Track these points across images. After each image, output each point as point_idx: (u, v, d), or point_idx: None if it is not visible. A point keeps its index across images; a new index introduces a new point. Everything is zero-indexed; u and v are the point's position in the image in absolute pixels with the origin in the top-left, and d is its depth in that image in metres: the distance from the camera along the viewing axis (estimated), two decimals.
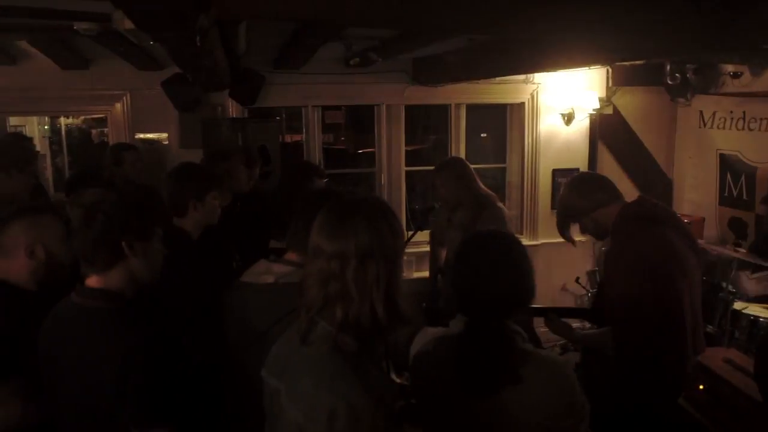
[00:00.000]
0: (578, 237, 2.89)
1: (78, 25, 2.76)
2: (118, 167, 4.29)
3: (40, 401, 1.95)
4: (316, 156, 5.69)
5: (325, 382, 1.38)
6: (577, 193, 2.73)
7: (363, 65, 4.82)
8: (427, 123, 7.91)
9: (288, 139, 6.50)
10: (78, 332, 1.76)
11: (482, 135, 6.62)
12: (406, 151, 5.94)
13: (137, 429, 1.68)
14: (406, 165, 5.90)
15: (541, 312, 2.72)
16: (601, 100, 5.83)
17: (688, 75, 5.42)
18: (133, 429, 1.68)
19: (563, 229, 2.83)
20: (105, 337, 1.72)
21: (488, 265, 1.73)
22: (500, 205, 3.92)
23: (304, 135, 5.76)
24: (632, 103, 6.10)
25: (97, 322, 1.76)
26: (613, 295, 2.60)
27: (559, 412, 1.64)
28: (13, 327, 2.01)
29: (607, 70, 5.87)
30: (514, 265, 1.73)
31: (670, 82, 5.55)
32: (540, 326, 2.88)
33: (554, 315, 2.74)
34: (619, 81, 5.91)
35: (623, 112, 6.09)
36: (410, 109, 5.87)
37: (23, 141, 3.45)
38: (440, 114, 6.20)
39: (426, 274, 4.75)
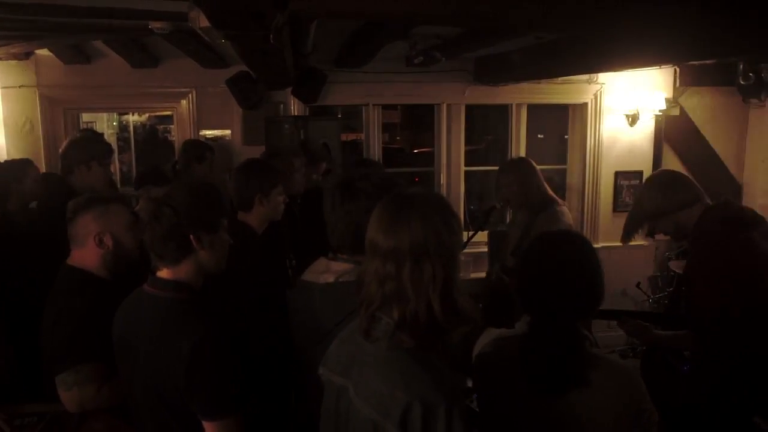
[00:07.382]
0: (641, 241, 2.73)
1: (153, 24, 2.84)
2: (199, 164, 4.32)
3: (114, 385, 2.03)
4: (376, 155, 5.71)
5: (396, 379, 1.37)
6: (661, 193, 2.60)
7: (426, 64, 4.80)
8: (484, 123, 7.84)
9: (343, 137, 6.53)
10: (150, 322, 1.81)
11: (539, 136, 6.49)
12: None
13: (205, 418, 1.72)
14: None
15: (615, 314, 2.62)
16: (667, 100, 5.65)
17: (762, 75, 5.18)
18: (201, 418, 1.72)
19: (632, 231, 2.66)
20: (175, 328, 1.76)
21: (556, 264, 1.69)
22: (561, 208, 3.79)
23: (364, 133, 5.78)
24: (701, 104, 5.89)
25: (168, 312, 1.81)
26: (698, 302, 2.47)
27: (627, 419, 1.60)
28: (91, 313, 2.09)
29: (675, 70, 5.68)
30: (582, 265, 1.69)
31: (743, 82, 5.29)
32: (598, 331, 2.79)
33: (628, 317, 2.64)
34: (687, 81, 5.71)
35: (691, 114, 5.89)
36: (467, 109, 5.81)
37: (101, 137, 3.60)
38: (498, 114, 6.13)
39: (482, 274, 4.71)
